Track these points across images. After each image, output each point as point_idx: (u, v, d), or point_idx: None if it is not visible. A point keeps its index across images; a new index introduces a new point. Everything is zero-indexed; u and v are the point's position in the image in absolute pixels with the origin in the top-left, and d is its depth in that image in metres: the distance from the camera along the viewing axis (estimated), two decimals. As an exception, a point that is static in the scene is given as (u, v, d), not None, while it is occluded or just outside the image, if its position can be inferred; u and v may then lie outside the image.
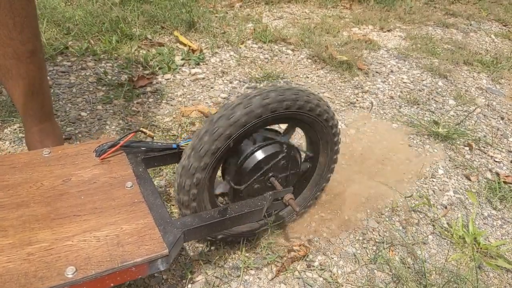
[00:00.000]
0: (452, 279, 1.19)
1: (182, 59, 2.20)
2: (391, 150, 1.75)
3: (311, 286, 1.14)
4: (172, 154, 1.11)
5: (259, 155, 1.05)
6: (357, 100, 2.10)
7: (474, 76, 2.52)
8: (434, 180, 1.63)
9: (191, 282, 1.10)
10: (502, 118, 2.13)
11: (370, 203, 1.45)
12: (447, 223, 1.43)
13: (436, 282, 1.19)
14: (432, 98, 2.21)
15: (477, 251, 1.31)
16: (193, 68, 2.16)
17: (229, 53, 2.37)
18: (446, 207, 1.50)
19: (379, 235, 1.34)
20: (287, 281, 1.14)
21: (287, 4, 3.30)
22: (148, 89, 1.93)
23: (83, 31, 2.27)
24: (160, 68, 2.10)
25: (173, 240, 0.83)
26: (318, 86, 2.17)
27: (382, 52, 2.69)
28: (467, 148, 1.84)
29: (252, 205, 1.02)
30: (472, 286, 1.18)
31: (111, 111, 1.74)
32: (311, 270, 1.19)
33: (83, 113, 1.70)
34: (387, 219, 1.40)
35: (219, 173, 1.10)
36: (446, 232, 1.38)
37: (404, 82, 2.34)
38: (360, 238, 1.32)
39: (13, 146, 1.50)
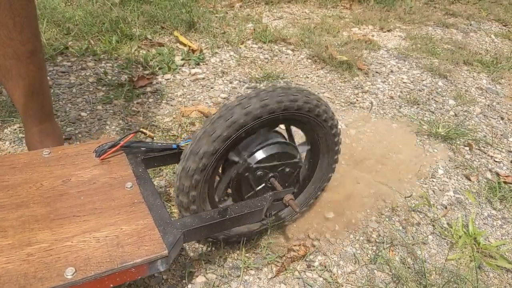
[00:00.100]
0: (452, 279, 1.19)
1: (182, 59, 2.20)
2: (391, 150, 1.75)
3: (311, 286, 1.14)
4: (172, 155, 1.11)
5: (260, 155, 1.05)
6: (357, 100, 2.10)
7: (474, 76, 2.52)
8: (434, 180, 1.63)
9: (191, 282, 1.10)
10: (502, 118, 2.13)
11: (370, 203, 1.45)
12: (447, 223, 1.43)
13: (436, 282, 1.19)
14: (432, 98, 2.21)
15: (477, 251, 1.31)
16: (193, 68, 2.16)
17: (229, 53, 2.37)
18: (446, 207, 1.50)
19: (379, 235, 1.34)
20: (287, 281, 1.14)
21: (287, 4, 3.30)
22: (148, 89, 1.93)
23: (83, 31, 2.27)
24: (160, 68, 2.10)
25: (173, 241, 0.83)
26: (318, 86, 2.17)
27: (382, 52, 2.69)
28: (467, 148, 1.84)
29: (252, 205, 1.02)
30: (472, 286, 1.18)
31: (111, 111, 1.74)
32: (311, 270, 1.19)
33: (83, 113, 1.70)
34: (387, 219, 1.40)
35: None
36: (446, 232, 1.38)
37: (404, 82, 2.34)
38: (360, 238, 1.32)
39: (13, 146, 1.50)
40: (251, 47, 2.48)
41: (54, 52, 2.05)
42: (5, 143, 1.51)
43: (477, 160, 1.78)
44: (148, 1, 2.76)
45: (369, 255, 1.26)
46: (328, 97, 2.09)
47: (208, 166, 0.96)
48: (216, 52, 2.34)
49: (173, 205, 1.33)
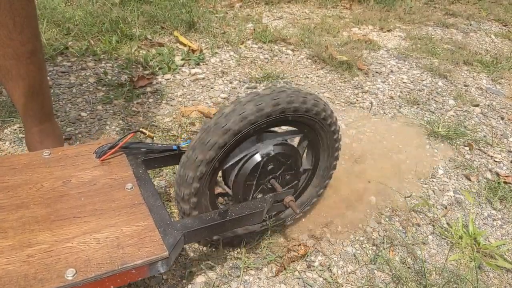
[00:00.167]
0: (452, 279, 1.19)
1: (182, 59, 2.19)
2: (391, 150, 1.75)
3: (311, 286, 1.14)
4: (172, 156, 1.11)
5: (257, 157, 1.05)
6: (357, 100, 2.10)
7: (474, 76, 2.52)
8: (434, 180, 1.63)
9: (191, 282, 1.10)
10: (502, 118, 2.13)
11: (370, 203, 1.45)
12: (447, 223, 1.43)
13: (436, 282, 1.19)
14: (432, 98, 2.21)
15: (477, 251, 1.31)
16: (193, 68, 2.16)
17: (229, 53, 2.37)
18: (446, 207, 1.50)
19: (379, 235, 1.34)
20: (287, 281, 1.14)
21: (287, 4, 3.29)
22: (148, 89, 1.93)
23: (83, 31, 2.27)
24: (160, 68, 2.10)
25: (173, 242, 0.83)
26: (318, 86, 2.17)
27: (382, 52, 2.68)
28: (467, 148, 1.84)
29: (253, 207, 1.02)
30: (472, 286, 1.18)
31: (111, 111, 1.74)
32: (311, 270, 1.19)
33: (83, 114, 1.70)
34: (387, 219, 1.41)
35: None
36: (446, 233, 1.38)
37: (404, 82, 2.34)
38: (360, 238, 1.32)
39: (13, 147, 1.50)
40: (251, 47, 2.48)
41: (54, 52, 2.05)
42: (5, 143, 1.51)
43: (477, 160, 1.78)
44: (148, 1, 2.75)
45: (369, 255, 1.26)
46: (328, 97, 2.09)
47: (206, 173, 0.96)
48: (216, 52, 2.34)
49: (173, 205, 1.33)
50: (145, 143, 1.11)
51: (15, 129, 1.58)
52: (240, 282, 1.12)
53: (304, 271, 1.18)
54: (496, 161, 1.79)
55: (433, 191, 1.57)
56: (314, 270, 1.19)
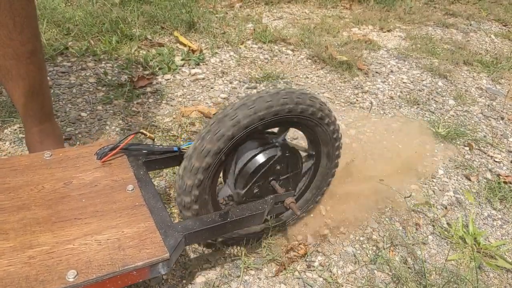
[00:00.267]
0: (452, 279, 1.19)
1: (182, 60, 2.19)
2: (391, 150, 1.75)
3: (311, 286, 1.14)
4: (173, 157, 1.11)
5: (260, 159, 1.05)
6: (357, 100, 2.10)
7: (474, 76, 2.53)
8: (434, 180, 1.63)
9: (191, 282, 1.10)
10: (502, 118, 2.13)
11: (370, 203, 1.45)
12: (447, 223, 1.43)
13: (436, 282, 1.19)
14: (432, 98, 2.21)
15: (477, 251, 1.32)
16: (193, 68, 2.16)
17: (229, 53, 2.37)
18: (446, 207, 1.50)
19: (379, 235, 1.34)
20: (287, 281, 1.15)
21: (287, 4, 3.29)
22: (148, 89, 1.93)
23: (83, 31, 2.26)
24: (160, 69, 2.10)
25: (174, 244, 0.83)
26: (318, 86, 2.17)
27: (382, 52, 2.69)
28: (467, 148, 1.84)
29: (253, 208, 1.02)
30: (472, 286, 1.18)
31: (111, 111, 1.74)
32: (311, 270, 1.19)
33: (83, 114, 1.70)
34: (387, 219, 1.41)
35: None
36: (446, 233, 1.38)
37: (404, 82, 2.34)
38: (360, 238, 1.32)
39: (13, 147, 1.50)
40: (251, 47, 2.48)
41: (54, 53, 2.05)
42: (5, 143, 1.51)
43: (477, 160, 1.78)
44: (148, 1, 2.75)
45: (369, 255, 1.26)
46: (328, 97, 2.09)
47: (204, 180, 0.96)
48: (216, 52, 2.34)
49: (173, 206, 1.33)
50: (146, 145, 1.11)
51: (15, 129, 1.58)
52: (240, 282, 1.12)
53: (304, 271, 1.18)
54: (496, 161, 1.79)
55: (433, 191, 1.58)
56: (314, 270, 1.19)
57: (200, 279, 1.11)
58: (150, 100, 1.85)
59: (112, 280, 0.76)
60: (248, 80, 2.12)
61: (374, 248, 1.29)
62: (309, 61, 2.43)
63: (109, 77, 1.95)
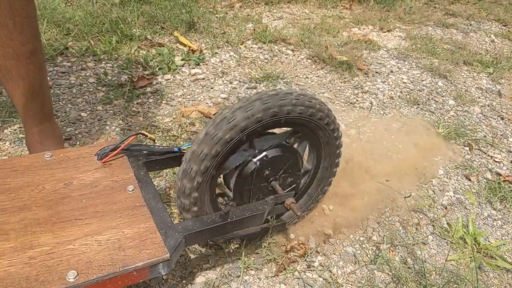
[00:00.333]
0: (452, 280, 1.19)
1: (182, 60, 2.19)
2: (391, 150, 1.75)
3: (311, 286, 1.14)
4: (173, 158, 1.11)
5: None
6: (357, 100, 2.10)
7: (474, 76, 2.53)
8: (434, 180, 1.63)
9: (191, 282, 1.10)
10: (502, 118, 2.13)
11: (370, 203, 1.45)
12: (447, 223, 1.43)
13: (436, 283, 1.19)
14: (432, 98, 2.22)
15: (477, 251, 1.32)
16: (193, 68, 2.16)
17: (229, 53, 2.37)
18: (446, 207, 1.50)
19: (379, 235, 1.34)
20: (287, 281, 1.15)
21: (287, 4, 3.29)
22: (148, 89, 1.93)
23: (83, 31, 2.26)
24: (160, 69, 2.10)
25: (174, 245, 0.83)
26: (318, 87, 2.17)
27: (382, 52, 2.69)
28: (467, 148, 1.84)
29: (254, 209, 1.02)
30: (472, 287, 1.19)
31: (111, 111, 1.74)
32: (311, 270, 1.19)
33: (83, 114, 1.70)
34: (387, 219, 1.41)
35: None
36: (446, 233, 1.38)
37: (404, 82, 2.34)
38: (360, 238, 1.32)
39: (13, 147, 1.50)
40: (251, 47, 2.48)
41: (54, 53, 2.05)
42: (5, 143, 1.51)
43: (477, 160, 1.78)
44: (148, 2, 2.75)
45: (369, 255, 1.26)
46: (328, 97, 2.09)
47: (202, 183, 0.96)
48: (216, 53, 2.34)
49: (173, 205, 1.33)
50: (147, 145, 1.11)
51: (15, 129, 1.58)
52: (240, 282, 1.12)
53: (304, 271, 1.18)
54: (496, 161, 1.79)
55: (433, 191, 1.58)
56: (314, 270, 1.19)
57: (200, 279, 1.11)
58: (150, 100, 1.85)
59: (113, 280, 0.76)
60: (248, 80, 2.12)
61: (374, 248, 1.29)
62: (309, 61, 2.43)
63: (109, 77, 1.95)
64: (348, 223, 1.36)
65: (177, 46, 2.34)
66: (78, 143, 1.54)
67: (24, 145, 1.47)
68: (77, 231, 0.83)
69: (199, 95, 1.94)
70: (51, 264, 0.76)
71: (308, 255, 1.23)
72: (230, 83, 2.08)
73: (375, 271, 1.22)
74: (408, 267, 1.24)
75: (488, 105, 2.23)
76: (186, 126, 1.70)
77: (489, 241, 1.39)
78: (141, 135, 1.10)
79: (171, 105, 1.84)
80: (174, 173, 1.45)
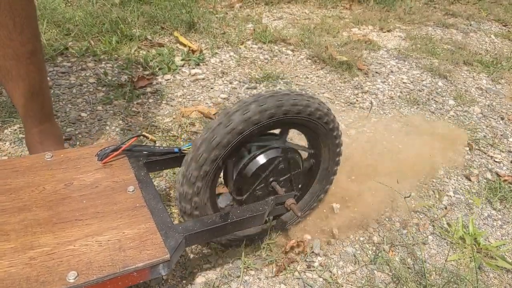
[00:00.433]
0: (452, 280, 1.20)
1: (182, 60, 2.20)
2: (391, 150, 1.75)
3: (311, 286, 1.14)
4: (174, 158, 1.11)
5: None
6: (357, 100, 2.10)
7: (474, 77, 2.53)
8: (434, 180, 1.63)
9: (191, 282, 1.10)
10: (502, 118, 2.13)
11: (370, 203, 1.45)
12: (447, 224, 1.43)
13: (436, 283, 1.19)
14: (432, 99, 2.22)
15: (477, 252, 1.32)
16: (193, 68, 2.16)
17: (229, 53, 2.37)
18: (446, 208, 1.51)
19: (379, 235, 1.34)
20: (287, 281, 1.15)
21: (287, 4, 3.29)
22: (148, 89, 1.93)
23: (83, 31, 2.26)
24: (160, 69, 2.10)
25: (175, 245, 0.83)
26: (318, 87, 2.18)
27: (382, 52, 2.69)
28: (467, 148, 1.85)
29: (254, 210, 1.02)
30: (472, 287, 1.19)
31: (111, 111, 1.74)
32: (311, 270, 1.19)
33: (83, 114, 1.70)
34: (387, 219, 1.41)
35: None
36: (446, 233, 1.38)
37: (404, 83, 2.34)
38: (360, 238, 1.32)
39: (13, 147, 1.50)
40: (251, 47, 2.48)
41: (54, 53, 2.05)
42: (5, 143, 1.51)
43: (477, 160, 1.78)
44: (148, 2, 2.75)
45: (369, 255, 1.26)
46: (328, 98, 2.09)
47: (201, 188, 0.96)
48: (216, 53, 2.34)
49: (174, 207, 1.33)
50: (147, 146, 1.11)
51: (15, 130, 1.58)
52: (240, 283, 1.12)
53: (304, 271, 1.18)
54: (496, 161, 1.79)
55: (433, 191, 1.58)
56: (314, 270, 1.19)
57: (200, 279, 1.12)
58: (150, 101, 1.86)
59: (113, 281, 0.76)
60: (248, 80, 2.12)
61: (374, 248, 1.29)
62: (309, 61, 2.43)
63: (109, 77, 1.95)
64: (347, 224, 1.36)
65: (177, 46, 2.34)
66: (78, 143, 1.54)
67: (24, 145, 1.47)
68: (77, 232, 0.83)
69: (199, 95, 1.94)
70: (52, 265, 0.76)
71: (308, 255, 1.23)
72: (230, 83, 2.08)
73: (375, 271, 1.22)
74: (408, 267, 1.24)
75: (488, 105, 2.23)
76: (186, 126, 1.70)
77: (489, 241, 1.39)
78: (142, 136, 1.10)
79: (171, 105, 1.84)
80: (174, 174, 1.45)
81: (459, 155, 1.79)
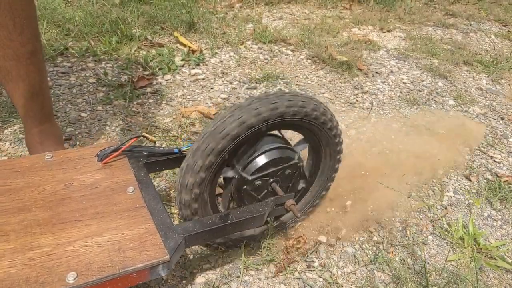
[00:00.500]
0: (452, 280, 1.20)
1: (182, 60, 2.19)
2: (391, 150, 1.75)
3: (311, 286, 1.14)
4: (174, 159, 1.11)
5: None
6: (357, 100, 2.10)
7: (474, 77, 2.53)
8: (434, 180, 1.63)
9: (191, 282, 1.10)
10: (502, 119, 2.13)
11: (370, 204, 1.45)
12: (447, 224, 1.43)
13: (436, 283, 1.19)
14: (432, 99, 2.22)
15: (477, 252, 1.32)
16: (193, 68, 2.16)
17: (229, 53, 2.37)
18: (446, 208, 1.51)
19: (379, 235, 1.34)
20: (287, 282, 1.15)
21: (287, 4, 3.29)
22: (148, 89, 1.93)
23: (83, 32, 2.26)
24: (160, 69, 2.10)
25: (174, 246, 0.83)
26: (318, 87, 2.17)
27: (382, 52, 2.69)
28: (467, 148, 1.84)
29: (254, 210, 1.02)
30: (472, 287, 1.19)
31: (111, 111, 1.74)
32: (311, 270, 1.19)
33: (83, 114, 1.70)
34: (387, 219, 1.41)
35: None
36: (446, 233, 1.38)
37: (404, 83, 2.34)
38: (360, 238, 1.32)
39: (13, 147, 1.50)
40: (251, 47, 2.48)
41: (54, 53, 2.05)
42: (5, 143, 1.51)
43: (477, 161, 1.78)
44: (148, 2, 2.75)
45: (369, 256, 1.26)
46: (328, 98, 2.09)
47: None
48: (216, 53, 2.34)
49: (174, 207, 1.33)
50: (147, 146, 1.11)
51: (15, 130, 1.58)
52: (240, 283, 1.12)
53: (304, 272, 1.18)
54: (496, 162, 1.79)
55: (433, 191, 1.58)
56: (314, 270, 1.19)
57: (200, 279, 1.12)
58: (150, 101, 1.85)
59: (112, 282, 0.76)
60: (248, 80, 2.12)
61: (374, 248, 1.29)
62: (309, 61, 2.43)
63: (109, 78, 1.95)
64: (347, 224, 1.36)
65: (177, 47, 2.34)
66: (78, 143, 1.54)
67: (24, 145, 1.47)
68: (77, 233, 0.83)
69: (199, 95, 1.94)
70: (51, 266, 0.76)
71: (308, 255, 1.23)
72: (230, 83, 2.08)
73: (375, 271, 1.22)
74: (408, 268, 1.24)
75: (488, 105, 2.23)
76: (186, 127, 1.70)
77: (489, 241, 1.39)
78: (142, 137, 1.10)
79: (171, 106, 1.84)
80: (174, 174, 1.45)
81: (459, 155, 1.79)
